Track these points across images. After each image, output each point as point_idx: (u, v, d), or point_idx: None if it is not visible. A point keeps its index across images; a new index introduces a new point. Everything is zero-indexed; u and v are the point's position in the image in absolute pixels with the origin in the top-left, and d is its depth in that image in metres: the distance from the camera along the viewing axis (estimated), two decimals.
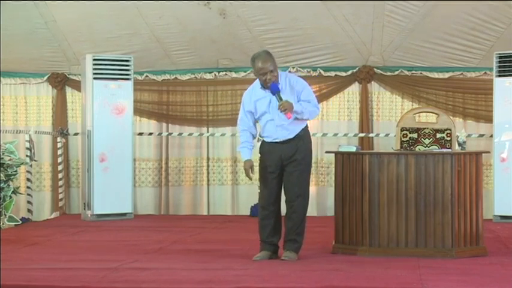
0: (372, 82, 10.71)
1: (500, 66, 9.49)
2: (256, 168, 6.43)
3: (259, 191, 6.61)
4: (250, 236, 8.00)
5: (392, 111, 10.58)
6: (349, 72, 10.65)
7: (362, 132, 10.51)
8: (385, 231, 6.46)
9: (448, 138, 7.35)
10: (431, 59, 10.44)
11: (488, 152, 8.00)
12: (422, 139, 7.35)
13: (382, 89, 10.71)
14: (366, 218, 6.49)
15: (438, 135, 7.37)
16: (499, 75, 9.51)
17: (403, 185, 6.45)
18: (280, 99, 6.19)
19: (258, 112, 6.34)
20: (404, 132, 7.58)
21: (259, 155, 6.43)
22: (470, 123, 10.46)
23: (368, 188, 6.50)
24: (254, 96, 6.38)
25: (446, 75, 10.54)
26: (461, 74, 10.53)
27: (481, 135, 10.17)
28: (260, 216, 6.37)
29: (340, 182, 6.69)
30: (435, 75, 10.55)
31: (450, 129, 7.37)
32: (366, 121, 10.56)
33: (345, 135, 10.52)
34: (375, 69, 10.62)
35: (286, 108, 6.15)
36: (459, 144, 9.50)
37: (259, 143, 6.51)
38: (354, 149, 6.88)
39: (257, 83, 6.39)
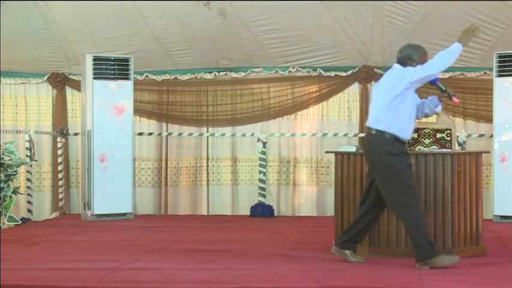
0: (372, 82, 10.69)
1: (500, 66, 9.49)
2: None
3: (404, 190, 5.95)
4: (251, 236, 8.03)
5: None
6: (349, 72, 10.65)
7: (362, 132, 10.51)
8: (385, 231, 6.47)
9: (448, 138, 7.33)
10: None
11: (488, 152, 8.00)
12: (422, 139, 7.33)
13: None
14: None
15: (438, 135, 7.35)
16: (499, 75, 9.51)
17: None
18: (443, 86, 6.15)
19: (409, 102, 6.05)
20: None
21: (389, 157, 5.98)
22: (470, 123, 10.45)
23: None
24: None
25: (447, 75, 10.51)
26: (462, 74, 10.52)
27: (481, 135, 10.16)
28: (421, 215, 5.97)
29: (340, 182, 6.69)
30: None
31: (450, 129, 7.35)
32: (366, 121, 10.54)
33: (345, 135, 10.51)
34: (375, 69, 10.62)
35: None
36: (459, 144, 9.52)
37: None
38: (354, 149, 6.89)
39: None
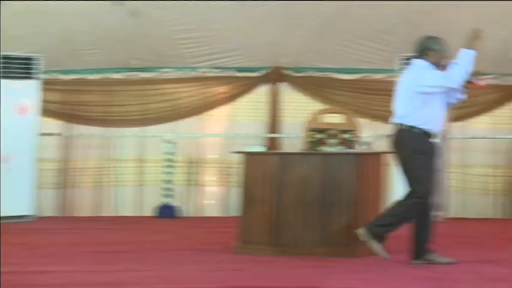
0: (282, 83, 10.78)
1: (403, 68, 9.65)
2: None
3: (420, 179, 5.91)
4: (155, 237, 7.99)
5: (300, 111, 10.65)
6: (260, 73, 10.70)
7: (271, 132, 10.57)
8: (291, 231, 6.50)
9: (353, 139, 7.44)
10: (341, 60, 10.57)
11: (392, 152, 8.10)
12: (328, 140, 7.42)
13: (291, 89, 10.79)
14: (272, 218, 6.52)
15: (344, 136, 7.45)
16: None
17: (309, 185, 6.50)
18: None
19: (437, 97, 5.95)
20: (312, 132, 7.64)
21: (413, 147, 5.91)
22: (376, 124, 10.63)
23: (275, 188, 6.55)
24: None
25: (354, 76, 10.69)
26: (369, 75, 10.69)
27: (388, 136, 10.31)
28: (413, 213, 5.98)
29: (247, 182, 6.70)
30: (344, 76, 10.69)
31: (355, 130, 7.47)
32: (275, 122, 10.62)
33: (254, 135, 10.55)
34: (286, 71, 10.69)
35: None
36: (365, 145, 9.65)
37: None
38: (262, 149, 6.90)
39: (426, 65, 5.98)
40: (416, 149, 5.87)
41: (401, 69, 9.62)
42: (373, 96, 10.64)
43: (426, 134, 5.91)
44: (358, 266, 5.92)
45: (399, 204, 6.00)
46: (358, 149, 7.13)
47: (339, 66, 10.65)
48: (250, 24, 9.90)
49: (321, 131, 7.51)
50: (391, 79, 10.29)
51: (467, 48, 5.84)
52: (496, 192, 10.68)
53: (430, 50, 5.96)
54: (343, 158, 6.55)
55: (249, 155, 6.80)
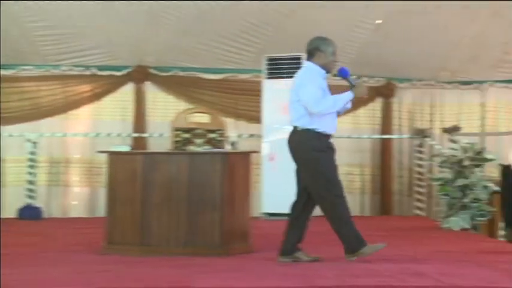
0: (147, 82, 10.71)
1: (269, 68, 9.83)
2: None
3: (327, 186, 5.93)
4: (18, 239, 7.73)
5: (166, 111, 10.64)
6: (124, 72, 10.58)
7: (136, 132, 10.48)
8: (157, 230, 6.47)
9: (220, 139, 7.47)
10: (205, 60, 10.62)
11: (258, 151, 8.25)
12: (195, 139, 7.42)
13: (156, 89, 10.75)
14: (138, 217, 6.48)
15: (210, 136, 7.47)
16: (268, 78, 9.85)
17: (176, 184, 6.49)
18: (354, 82, 5.99)
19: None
20: (178, 132, 7.62)
21: (313, 152, 5.96)
22: (242, 124, 10.75)
23: (141, 187, 6.50)
24: (322, 80, 6.01)
25: (219, 76, 10.76)
26: (234, 75, 10.79)
27: (252, 135, 10.47)
28: (346, 202, 5.97)
29: (113, 182, 6.62)
30: (208, 76, 10.74)
31: (222, 130, 7.51)
32: (140, 121, 10.54)
33: (119, 135, 10.43)
34: (150, 70, 10.63)
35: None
36: (231, 144, 9.73)
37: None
38: (126, 149, 6.83)
39: (314, 67, 6.02)
40: (315, 148, 5.95)
41: (266, 69, 9.80)
42: (239, 96, 10.76)
43: (322, 135, 5.99)
44: (227, 264, 5.95)
45: (329, 217, 5.99)
46: (225, 148, 7.17)
47: (204, 66, 10.70)
48: (112, 22, 9.77)
49: (187, 130, 7.51)
50: (256, 79, 10.48)
51: (353, 92, 5.97)
52: (362, 191, 11.06)
53: (319, 51, 6.02)
54: (210, 157, 6.57)
55: (114, 154, 6.72)
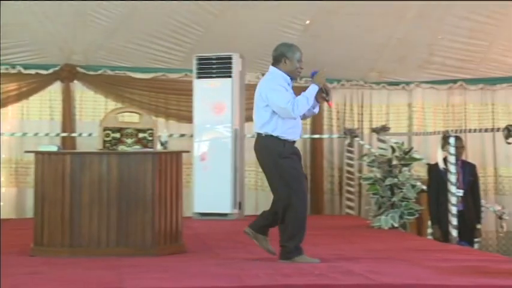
0: (75, 81, 10.57)
1: (199, 68, 9.80)
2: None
3: (289, 192, 5.93)
4: None
5: (95, 110, 10.53)
6: (51, 71, 10.42)
7: (65, 132, 10.32)
8: (87, 231, 6.38)
9: (150, 138, 7.43)
10: (135, 59, 10.53)
11: (189, 151, 8.21)
12: (125, 139, 7.35)
13: (85, 88, 10.62)
14: (66, 218, 6.37)
15: (140, 135, 7.42)
16: (199, 77, 9.81)
17: (106, 184, 6.40)
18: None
19: None
20: (107, 132, 7.54)
21: (279, 158, 5.93)
22: (172, 123, 10.70)
23: (69, 188, 6.40)
24: (287, 86, 5.96)
25: (149, 75, 10.69)
26: (164, 75, 10.73)
27: (183, 135, 10.42)
28: (304, 213, 5.96)
29: (41, 182, 6.51)
30: (138, 75, 10.66)
31: (152, 129, 7.46)
32: (68, 121, 10.39)
33: (47, 134, 10.26)
34: (78, 68, 10.49)
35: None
36: (161, 144, 9.69)
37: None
38: (55, 149, 6.73)
39: (280, 73, 5.99)
40: (280, 155, 5.93)
41: (196, 69, 9.77)
42: (169, 95, 10.71)
43: (286, 141, 5.98)
44: (158, 265, 5.91)
45: (289, 215, 5.95)
46: (155, 148, 7.12)
47: (134, 65, 10.61)
48: (38, 20, 9.58)
49: (117, 130, 7.43)
50: (187, 79, 10.44)
51: (315, 83, 6.00)
52: None
53: (285, 58, 6.02)
54: (140, 157, 6.51)
55: (42, 154, 6.59)
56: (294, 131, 6.03)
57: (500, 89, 11.27)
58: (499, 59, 10.74)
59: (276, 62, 6.06)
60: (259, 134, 6.04)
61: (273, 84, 5.98)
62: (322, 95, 6.07)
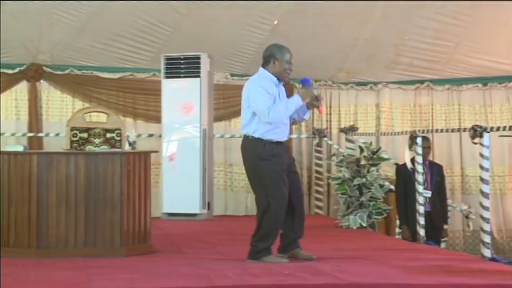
0: (41, 81, 10.48)
1: (167, 68, 9.77)
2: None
3: (266, 194, 5.92)
4: None
5: (62, 110, 10.46)
6: (17, 70, 10.33)
7: (31, 131, 10.23)
8: (54, 232, 6.33)
9: (118, 138, 7.39)
10: (102, 59, 10.46)
11: (157, 151, 8.18)
12: (92, 139, 7.31)
13: (52, 87, 10.54)
14: (33, 219, 6.32)
15: (108, 135, 7.38)
16: (167, 77, 9.78)
17: (73, 184, 6.36)
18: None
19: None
20: (75, 131, 7.49)
21: (259, 159, 5.93)
22: (140, 123, 10.66)
23: (36, 188, 6.34)
24: (274, 87, 5.95)
25: (117, 75, 10.64)
26: (132, 74, 10.69)
27: (151, 135, 10.38)
28: (280, 216, 5.93)
29: (6, 182, 6.44)
30: (106, 75, 10.59)
31: (120, 129, 7.42)
32: (35, 120, 10.29)
33: (13, 134, 10.16)
34: (44, 68, 10.40)
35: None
36: (130, 144, 9.64)
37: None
38: (21, 149, 6.66)
39: (266, 74, 5.99)
40: (259, 157, 5.92)
41: (164, 68, 9.74)
42: (137, 95, 10.66)
43: (267, 143, 5.95)
44: (127, 265, 5.88)
45: (265, 217, 5.94)
46: (123, 148, 7.09)
47: (101, 64, 10.55)
48: (3, 18, 9.46)
49: (84, 130, 7.38)
50: (155, 78, 10.41)
51: (301, 96, 6.02)
52: None
53: (274, 59, 6.02)
54: (108, 157, 6.47)
55: (8, 154, 6.53)
56: (278, 132, 6.00)
57: (467, 90, 11.36)
58: (465, 59, 10.84)
59: (265, 62, 6.09)
60: (244, 135, 6.07)
61: (256, 86, 5.99)
62: (313, 102, 6.10)
